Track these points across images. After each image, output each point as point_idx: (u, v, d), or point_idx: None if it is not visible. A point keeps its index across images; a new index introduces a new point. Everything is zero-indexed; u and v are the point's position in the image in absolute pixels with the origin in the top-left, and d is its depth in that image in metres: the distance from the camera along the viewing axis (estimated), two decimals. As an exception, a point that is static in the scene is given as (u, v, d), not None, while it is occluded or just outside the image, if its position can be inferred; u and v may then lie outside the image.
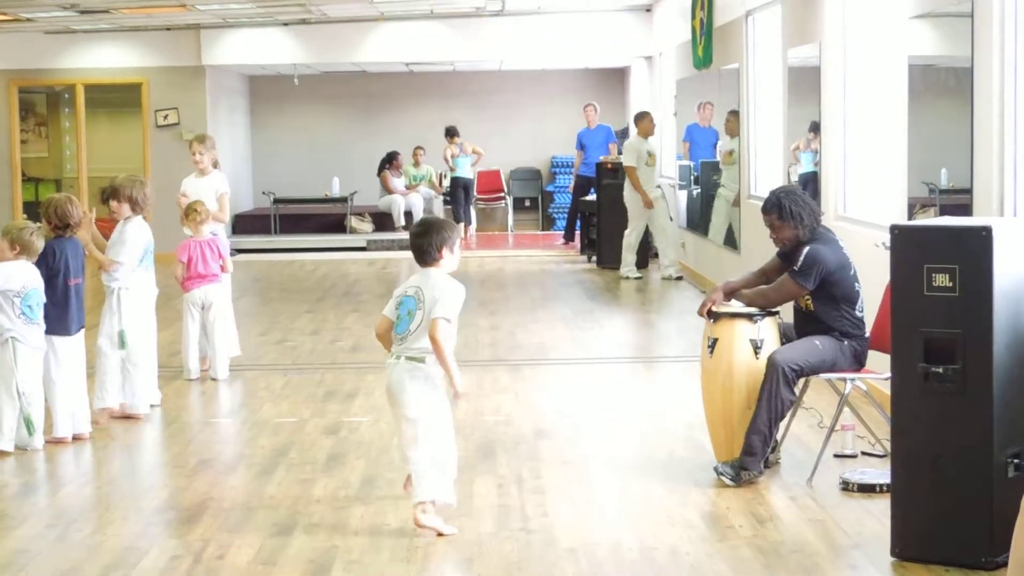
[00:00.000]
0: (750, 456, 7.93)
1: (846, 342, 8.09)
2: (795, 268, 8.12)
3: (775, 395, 7.87)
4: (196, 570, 6.65)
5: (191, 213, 11.72)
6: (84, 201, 20.51)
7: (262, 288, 18.31)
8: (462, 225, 23.56)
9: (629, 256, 18.69)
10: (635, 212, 18.53)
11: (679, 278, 18.26)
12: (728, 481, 7.94)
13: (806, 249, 8.13)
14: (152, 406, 10.33)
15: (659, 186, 18.81)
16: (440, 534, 7.12)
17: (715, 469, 8.08)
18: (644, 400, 10.60)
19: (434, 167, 25.28)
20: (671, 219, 18.89)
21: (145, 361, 10.24)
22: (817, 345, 8.07)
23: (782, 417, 7.98)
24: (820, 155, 12.05)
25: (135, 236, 10.13)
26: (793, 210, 8.18)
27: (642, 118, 18.80)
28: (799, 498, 7.71)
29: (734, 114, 15.83)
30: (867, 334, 8.21)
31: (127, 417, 10.10)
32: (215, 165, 12.52)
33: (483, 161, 25.30)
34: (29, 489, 8.39)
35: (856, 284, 8.17)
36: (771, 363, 7.91)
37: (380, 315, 7.31)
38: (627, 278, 18.45)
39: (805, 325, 8.23)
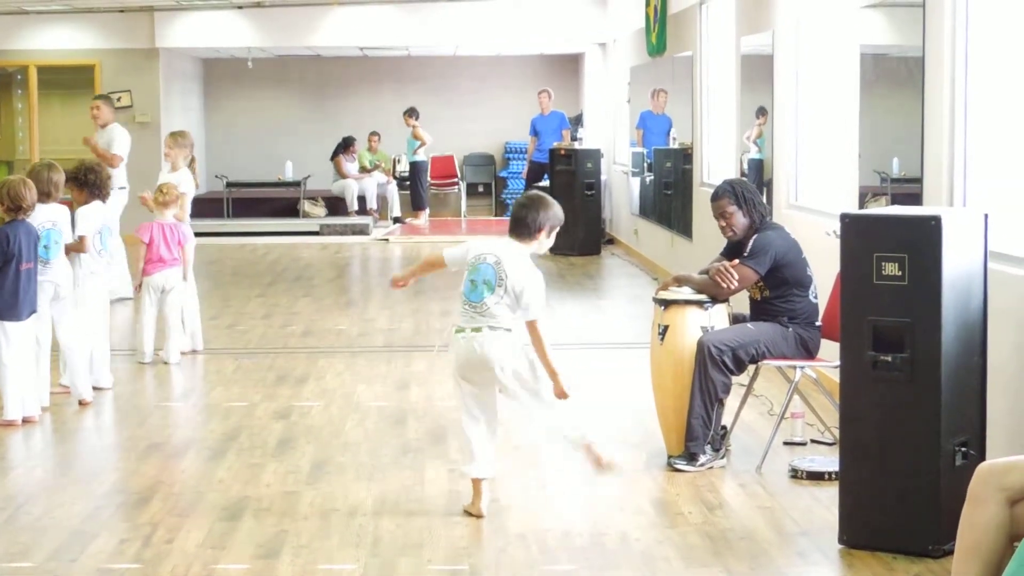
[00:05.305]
0: (692, 440, 7.98)
1: (791, 328, 8.12)
2: (745, 255, 8.16)
3: (705, 377, 7.93)
4: (145, 553, 6.63)
5: (157, 193, 11.68)
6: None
7: (214, 272, 18.22)
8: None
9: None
10: None
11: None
12: (685, 467, 7.97)
13: (754, 236, 8.19)
14: (95, 389, 10.28)
15: (123, 187, 14.53)
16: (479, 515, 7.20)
17: (669, 464, 8.10)
18: (595, 386, 10.60)
19: (388, 153, 25.26)
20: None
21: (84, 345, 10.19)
22: (750, 328, 8.13)
23: (717, 399, 7.99)
24: (763, 140, 12.07)
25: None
26: (747, 196, 8.24)
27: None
28: (748, 485, 7.75)
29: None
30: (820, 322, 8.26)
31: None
32: (191, 164, 12.42)
33: (437, 146, 25.24)
34: (-23, 472, 8.36)
35: (807, 269, 8.22)
36: (699, 345, 7.98)
37: (439, 252, 7.41)
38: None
39: (760, 316, 8.26)
